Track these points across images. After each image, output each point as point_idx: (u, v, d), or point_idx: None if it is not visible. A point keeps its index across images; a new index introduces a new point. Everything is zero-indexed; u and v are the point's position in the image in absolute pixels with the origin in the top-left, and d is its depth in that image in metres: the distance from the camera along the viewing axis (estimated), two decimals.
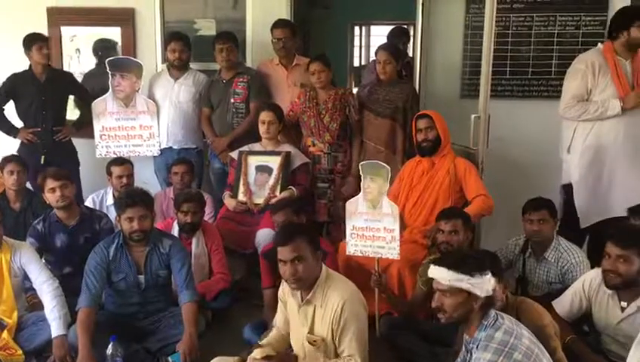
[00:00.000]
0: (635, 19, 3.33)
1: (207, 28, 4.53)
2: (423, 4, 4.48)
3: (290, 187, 3.74)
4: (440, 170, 3.48)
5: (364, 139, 3.93)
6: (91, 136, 3.99)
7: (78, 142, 4.27)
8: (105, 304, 3.03)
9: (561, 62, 4.12)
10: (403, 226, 3.22)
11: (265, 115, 3.80)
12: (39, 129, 4.07)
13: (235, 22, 4.48)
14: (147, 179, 4.26)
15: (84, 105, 4.22)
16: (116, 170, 3.79)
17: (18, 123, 4.16)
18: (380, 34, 7.85)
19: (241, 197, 3.78)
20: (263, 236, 3.45)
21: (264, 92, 4.12)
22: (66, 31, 4.55)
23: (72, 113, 4.38)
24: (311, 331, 2.42)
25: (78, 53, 4.61)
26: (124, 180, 3.77)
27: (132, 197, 2.92)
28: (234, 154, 3.89)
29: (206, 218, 3.63)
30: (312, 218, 3.87)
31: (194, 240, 3.41)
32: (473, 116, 3.54)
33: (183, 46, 4.11)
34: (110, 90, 3.93)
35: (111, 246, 2.93)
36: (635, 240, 2.45)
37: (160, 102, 4.10)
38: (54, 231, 3.31)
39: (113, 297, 3.02)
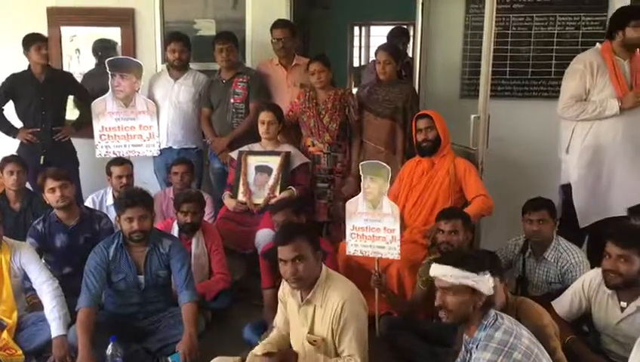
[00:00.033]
0: (630, 19, 3.33)
1: (206, 28, 4.52)
2: (422, 4, 4.49)
3: (289, 187, 3.74)
4: (440, 170, 3.48)
5: (363, 140, 3.93)
6: (91, 136, 3.99)
7: (77, 142, 4.27)
8: (105, 304, 3.03)
9: (560, 62, 4.11)
10: (403, 226, 3.22)
11: (264, 115, 3.80)
12: (39, 129, 4.07)
13: (235, 22, 4.47)
14: (147, 179, 4.25)
15: (84, 106, 4.22)
16: (116, 170, 3.79)
17: (17, 123, 4.16)
18: (379, 34, 7.84)
19: (240, 197, 3.78)
20: (263, 236, 3.45)
21: (264, 92, 4.12)
22: (66, 31, 4.54)
23: (72, 113, 4.38)
24: (311, 331, 2.43)
25: (77, 54, 4.60)
26: (124, 180, 3.77)
27: (132, 198, 2.92)
28: (234, 155, 3.89)
29: (206, 218, 3.63)
30: (312, 218, 3.87)
31: (194, 241, 3.41)
32: (473, 116, 3.54)
33: (182, 46, 4.11)
34: (110, 90, 3.92)
35: (111, 247, 2.93)
36: (636, 239, 2.45)
37: (160, 103, 4.10)
38: (54, 231, 3.31)
39: (113, 297, 3.02)
